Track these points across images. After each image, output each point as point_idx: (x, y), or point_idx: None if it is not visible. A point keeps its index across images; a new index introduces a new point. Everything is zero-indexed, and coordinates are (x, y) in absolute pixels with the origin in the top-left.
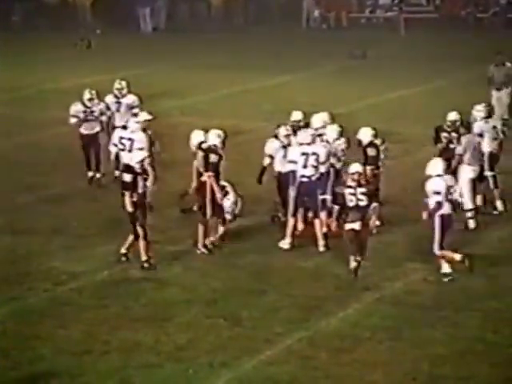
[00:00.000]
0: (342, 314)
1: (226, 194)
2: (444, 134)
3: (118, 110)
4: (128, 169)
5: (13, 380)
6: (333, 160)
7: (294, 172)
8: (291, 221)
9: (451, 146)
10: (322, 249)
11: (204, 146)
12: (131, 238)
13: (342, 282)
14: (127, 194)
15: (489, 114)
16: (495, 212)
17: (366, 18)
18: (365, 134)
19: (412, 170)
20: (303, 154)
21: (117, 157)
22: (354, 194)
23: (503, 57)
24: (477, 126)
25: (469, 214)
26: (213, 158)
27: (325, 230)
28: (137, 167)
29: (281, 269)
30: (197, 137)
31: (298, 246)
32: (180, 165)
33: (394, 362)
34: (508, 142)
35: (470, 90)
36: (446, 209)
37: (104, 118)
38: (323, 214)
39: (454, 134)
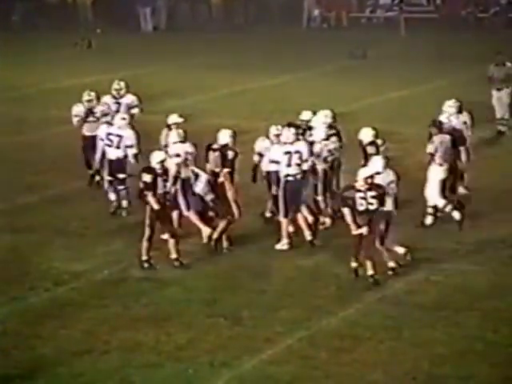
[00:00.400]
0: (342, 313)
1: (196, 176)
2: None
3: (117, 111)
4: (148, 169)
5: (13, 379)
6: (316, 160)
7: (277, 172)
8: (284, 222)
9: None
10: (309, 237)
11: (215, 146)
12: (172, 241)
13: (343, 281)
14: (149, 193)
15: (459, 110)
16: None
17: (366, 17)
18: (366, 134)
19: (412, 170)
20: (286, 153)
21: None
22: (364, 198)
23: (503, 56)
24: (448, 122)
25: (447, 210)
26: (230, 154)
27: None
28: (157, 168)
29: (281, 268)
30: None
31: (297, 245)
32: None
33: (394, 361)
34: (508, 142)
35: (470, 89)
36: (387, 205)
37: (105, 120)
38: (304, 209)
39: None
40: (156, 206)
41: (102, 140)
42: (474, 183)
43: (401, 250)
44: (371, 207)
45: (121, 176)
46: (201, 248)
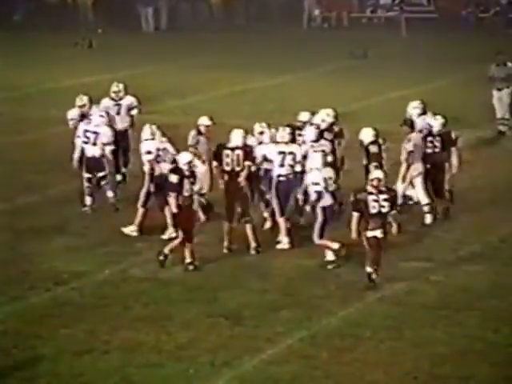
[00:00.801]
0: (342, 313)
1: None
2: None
3: (118, 113)
4: (176, 170)
5: (14, 379)
6: (303, 161)
7: (269, 171)
8: (282, 221)
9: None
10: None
11: (231, 145)
12: (188, 246)
13: (343, 281)
14: (174, 195)
15: (424, 111)
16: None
17: (367, 17)
18: (366, 134)
19: None
20: (280, 152)
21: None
22: (376, 201)
23: (505, 56)
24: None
25: (425, 209)
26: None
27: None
28: (185, 169)
29: (282, 268)
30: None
31: (298, 245)
32: None
33: (394, 361)
34: (508, 142)
35: (470, 89)
36: (327, 200)
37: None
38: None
39: (437, 138)
40: (175, 210)
41: (79, 137)
42: (474, 183)
43: (335, 246)
44: (383, 210)
45: (100, 174)
46: (201, 248)
